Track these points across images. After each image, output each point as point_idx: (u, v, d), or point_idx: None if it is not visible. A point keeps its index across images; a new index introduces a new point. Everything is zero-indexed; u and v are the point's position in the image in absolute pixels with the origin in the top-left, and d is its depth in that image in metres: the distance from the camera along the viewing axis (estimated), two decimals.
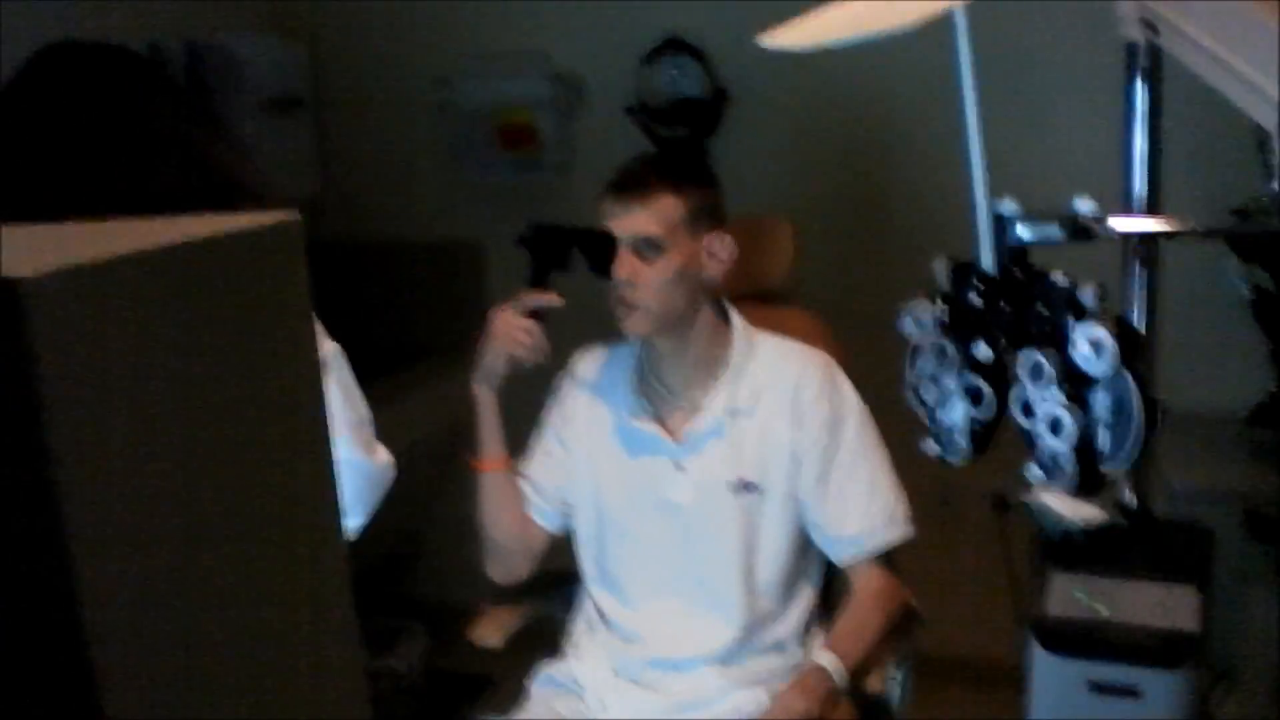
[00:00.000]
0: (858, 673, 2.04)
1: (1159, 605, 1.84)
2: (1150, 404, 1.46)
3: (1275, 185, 1.43)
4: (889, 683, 2.14)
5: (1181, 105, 1.75)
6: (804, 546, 2.16)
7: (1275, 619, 2.81)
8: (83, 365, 0.63)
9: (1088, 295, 1.46)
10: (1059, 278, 1.48)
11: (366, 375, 3.43)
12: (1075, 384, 1.47)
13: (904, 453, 2.15)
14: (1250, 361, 2.81)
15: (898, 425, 1.70)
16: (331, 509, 0.88)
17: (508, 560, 2.25)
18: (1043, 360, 1.46)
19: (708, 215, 2.10)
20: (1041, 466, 1.51)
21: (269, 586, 0.81)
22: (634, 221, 2.03)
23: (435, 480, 3.70)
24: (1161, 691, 1.80)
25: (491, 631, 2.25)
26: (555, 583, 2.40)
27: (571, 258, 2.09)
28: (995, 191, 1.55)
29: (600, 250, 2.04)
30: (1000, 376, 1.55)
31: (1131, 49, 1.82)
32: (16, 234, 0.72)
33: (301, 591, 0.85)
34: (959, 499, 3.25)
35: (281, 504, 0.83)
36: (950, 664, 3.24)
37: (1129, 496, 2.02)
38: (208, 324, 0.74)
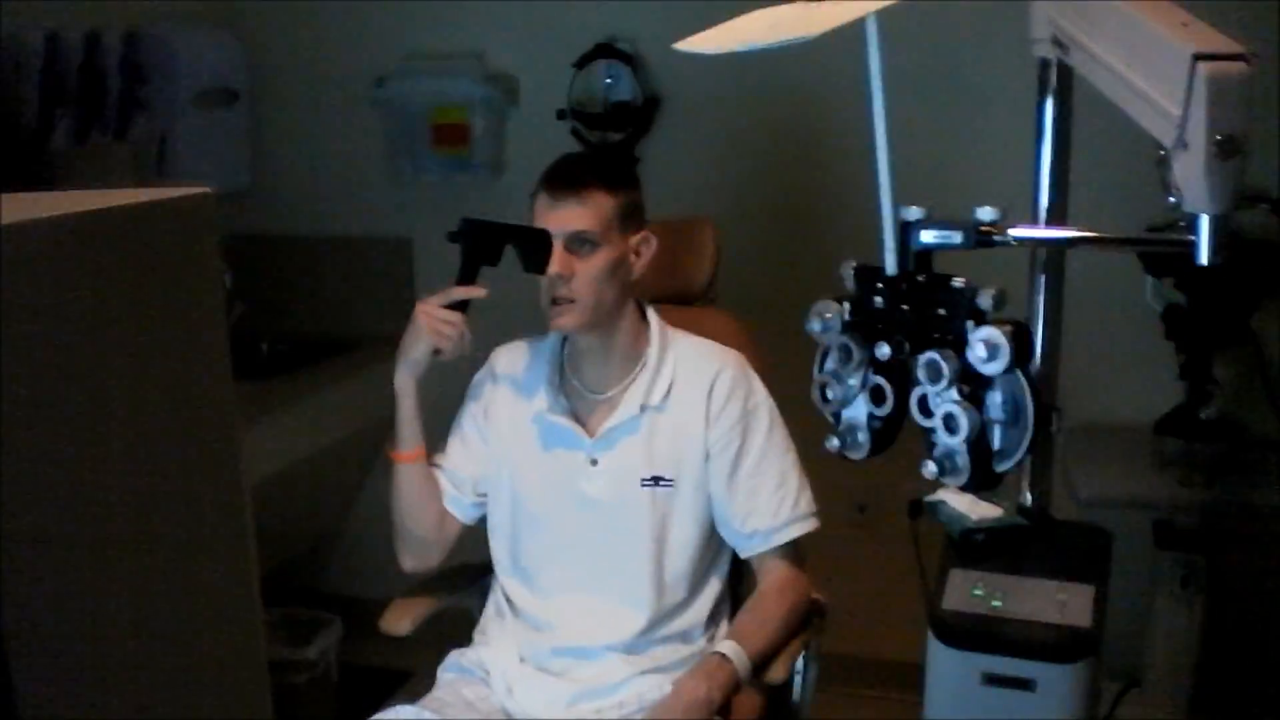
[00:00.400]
0: (761, 662, 2.08)
1: (1055, 602, 1.90)
2: (1042, 405, 1.52)
3: (1171, 199, 1.48)
4: (793, 672, 2.19)
5: (1102, 124, 1.80)
6: (713, 540, 2.21)
7: (1181, 626, 2.88)
8: (32, 306, 0.68)
9: (985, 299, 1.52)
10: (959, 282, 1.54)
11: (292, 368, 3.47)
12: (971, 384, 1.53)
13: (821, 459, 2.21)
14: (1160, 374, 2.87)
15: (814, 429, 1.75)
16: (235, 479, 0.90)
17: (421, 549, 2.28)
18: (940, 360, 1.51)
19: (635, 214, 2.15)
20: (938, 464, 1.57)
21: (171, 553, 0.84)
22: (569, 217, 2.08)
23: (356, 475, 3.73)
24: (1055, 685, 1.86)
25: (401, 620, 2.28)
26: (465, 575, 2.44)
27: (502, 254, 2.12)
28: (913, 199, 1.60)
29: (536, 247, 2.08)
30: (902, 376, 1.61)
31: (1044, 65, 1.89)
32: None
33: (205, 556, 0.88)
34: (876, 505, 3.32)
35: (188, 471, 0.86)
36: (863, 665, 3.31)
37: (1029, 498, 2.08)
38: (131, 285, 0.78)
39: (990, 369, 1.49)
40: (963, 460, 1.54)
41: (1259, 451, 2.83)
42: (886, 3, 1.38)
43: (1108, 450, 2.94)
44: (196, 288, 0.87)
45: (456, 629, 2.35)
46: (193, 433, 0.86)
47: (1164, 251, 1.70)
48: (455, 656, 2.25)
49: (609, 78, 3.35)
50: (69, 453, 0.74)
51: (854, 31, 1.45)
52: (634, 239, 2.14)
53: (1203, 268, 1.49)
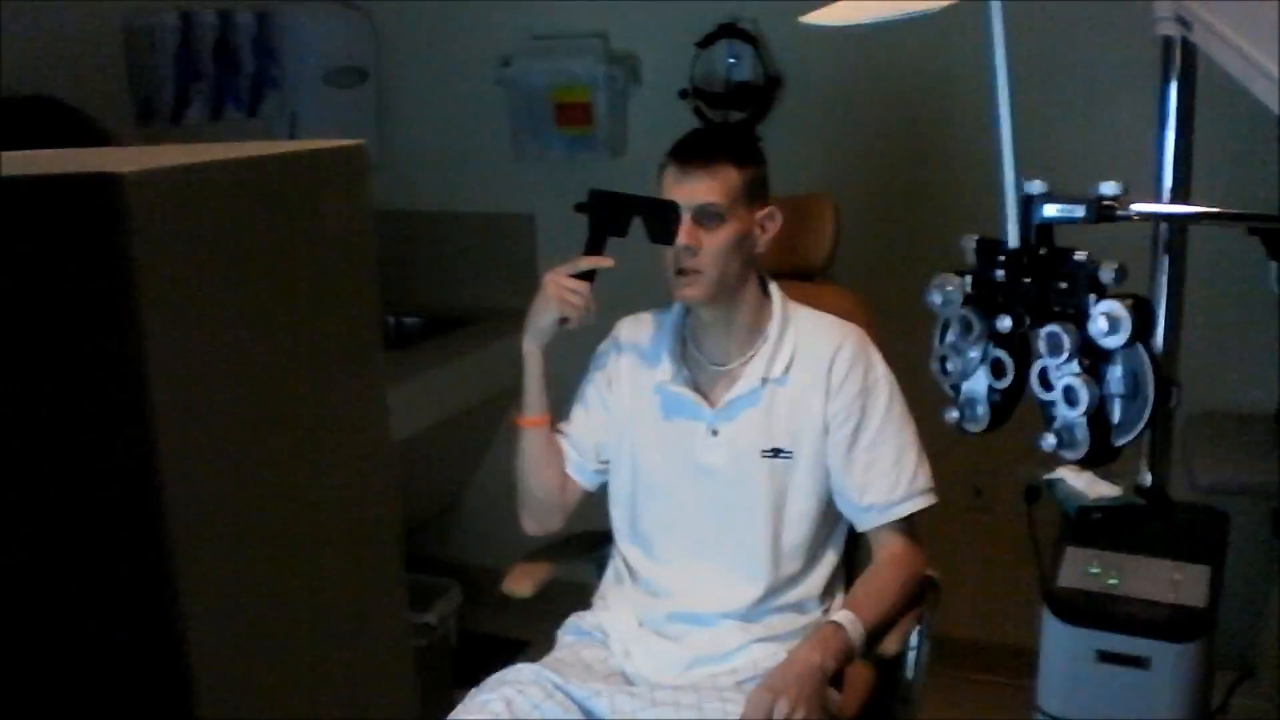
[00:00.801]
0: (874, 634, 2.10)
1: (1170, 581, 1.90)
2: (1162, 380, 1.53)
3: None
4: (906, 647, 2.21)
5: (1226, 104, 1.80)
6: (830, 512, 2.23)
7: None
8: (173, 262, 0.69)
9: (1107, 273, 1.52)
10: (1080, 255, 1.55)
11: (417, 341, 3.55)
12: (1091, 357, 1.54)
13: (938, 442, 2.22)
14: None
15: (932, 407, 1.76)
16: (384, 443, 0.92)
17: (543, 513, 2.34)
18: (1061, 333, 1.52)
19: (761, 189, 2.19)
20: (1057, 436, 1.58)
21: (327, 519, 0.86)
22: (698, 190, 2.12)
23: (478, 447, 3.80)
24: (1169, 663, 1.86)
25: (522, 583, 2.34)
26: (585, 542, 2.50)
27: (629, 225, 2.16)
28: (1034, 175, 1.61)
29: (664, 218, 2.12)
30: (1022, 350, 1.62)
31: (1167, 44, 1.89)
32: (114, 151, 0.80)
33: (356, 522, 0.90)
34: (991, 490, 3.32)
35: (340, 434, 0.87)
36: (976, 648, 3.30)
37: (1147, 478, 2.08)
38: (282, 235, 0.80)
39: (1111, 342, 1.50)
40: (1082, 433, 1.55)
41: None
42: None
43: (1228, 437, 2.91)
44: (351, 242, 0.87)
45: (573, 601, 2.40)
46: (346, 393, 0.87)
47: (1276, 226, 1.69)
48: (575, 619, 2.31)
49: (731, 57, 3.37)
50: (225, 418, 0.74)
51: (974, 8, 1.47)
52: (759, 214, 2.18)
53: None
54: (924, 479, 2.21)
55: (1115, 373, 1.53)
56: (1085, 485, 2.05)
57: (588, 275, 2.17)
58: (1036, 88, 2.97)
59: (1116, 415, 1.55)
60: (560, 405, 2.36)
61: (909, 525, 2.22)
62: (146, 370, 0.67)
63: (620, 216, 2.15)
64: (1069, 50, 3.05)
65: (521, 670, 2.10)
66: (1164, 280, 1.97)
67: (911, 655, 2.27)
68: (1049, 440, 1.57)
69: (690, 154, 2.15)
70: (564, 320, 2.18)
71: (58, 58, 2.89)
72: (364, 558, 0.92)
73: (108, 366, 0.68)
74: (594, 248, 2.18)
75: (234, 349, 0.75)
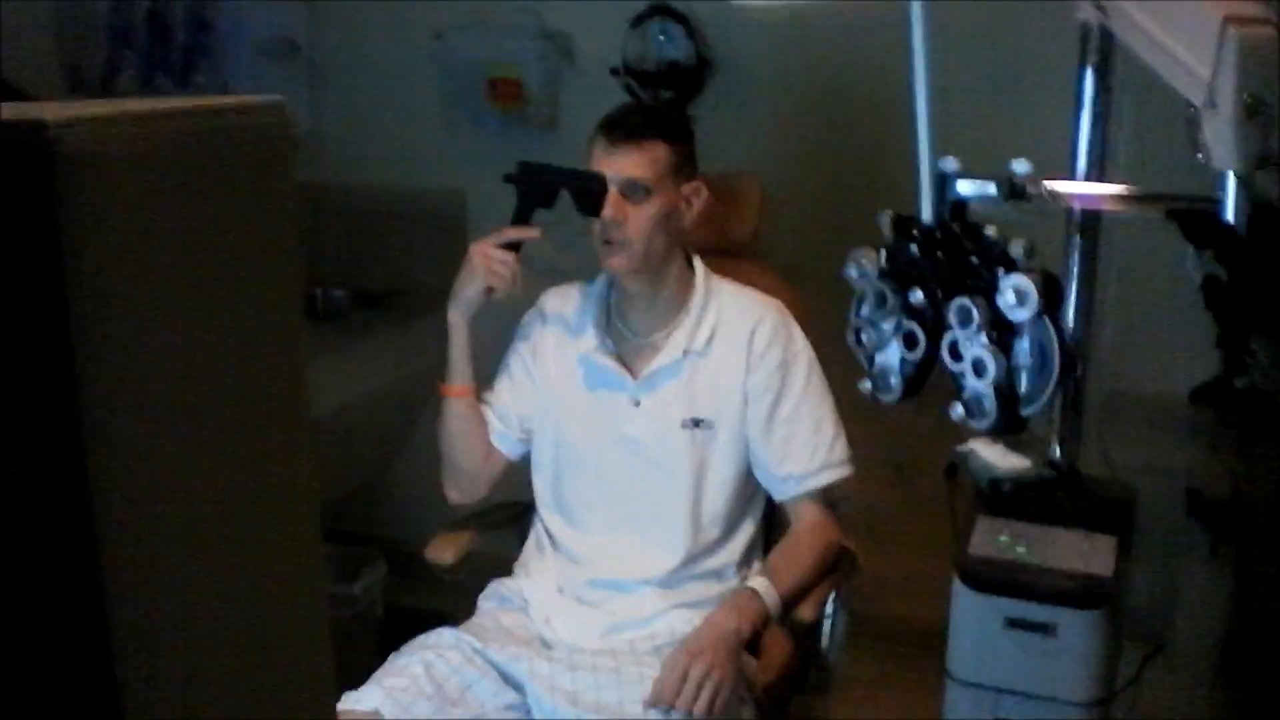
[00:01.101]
0: (790, 602, 2.14)
1: (1078, 551, 1.96)
2: (1067, 353, 1.58)
3: (1200, 157, 1.53)
4: (823, 617, 2.25)
5: (1141, 91, 1.84)
6: (749, 483, 2.28)
7: (1209, 594, 2.92)
8: (101, 209, 0.69)
9: (1017, 249, 1.57)
10: (991, 231, 1.59)
11: (344, 314, 3.54)
12: (1000, 330, 1.58)
13: (861, 418, 2.27)
14: (1197, 345, 2.90)
15: (852, 385, 1.80)
16: (304, 414, 0.90)
17: (467, 483, 2.37)
18: (971, 306, 1.57)
19: (688, 165, 2.23)
20: (966, 407, 1.63)
21: (246, 478, 0.84)
22: (626, 164, 2.15)
23: (403, 422, 3.80)
24: (1075, 630, 1.93)
25: (445, 551, 2.36)
26: (507, 512, 2.53)
27: (557, 197, 2.19)
28: (951, 154, 1.65)
29: (590, 190, 2.15)
30: (934, 322, 1.66)
31: (1085, 29, 1.94)
32: (46, 104, 0.81)
33: (276, 493, 0.88)
34: (913, 466, 3.37)
35: (260, 390, 0.85)
36: (894, 623, 3.36)
37: (1058, 452, 2.14)
38: (204, 190, 0.80)
39: (1019, 315, 1.54)
40: (990, 403, 1.60)
41: None
42: None
43: (1143, 418, 2.97)
44: (273, 202, 0.86)
45: (497, 574, 2.41)
46: (265, 359, 0.85)
47: (1193, 209, 1.74)
48: (495, 585, 2.34)
49: (663, 36, 3.40)
50: (147, 373, 0.73)
51: None
52: (686, 189, 2.21)
53: (1241, 240, 1.54)
54: (841, 451, 2.25)
55: (1023, 345, 1.58)
56: (998, 458, 2.10)
57: (514, 246, 2.19)
58: (960, 71, 3.02)
59: (1024, 386, 1.60)
60: (486, 375, 2.38)
61: (825, 496, 2.26)
62: (71, 322, 0.68)
63: (548, 189, 2.18)
64: (992, 35, 3.09)
65: (442, 634, 2.13)
66: (1077, 260, 2.03)
67: (828, 625, 2.32)
68: (958, 410, 1.62)
69: (619, 128, 2.18)
70: (490, 291, 2.20)
71: None
72: (282, 528, 0.91)
73: (32, 319, 0.68)
74: (521, 219, 2.20)
75: (156, 305, 0.75)
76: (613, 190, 2.14)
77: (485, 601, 2.32)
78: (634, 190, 2.15)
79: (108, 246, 0.70)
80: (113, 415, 0.70)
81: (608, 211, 2.14)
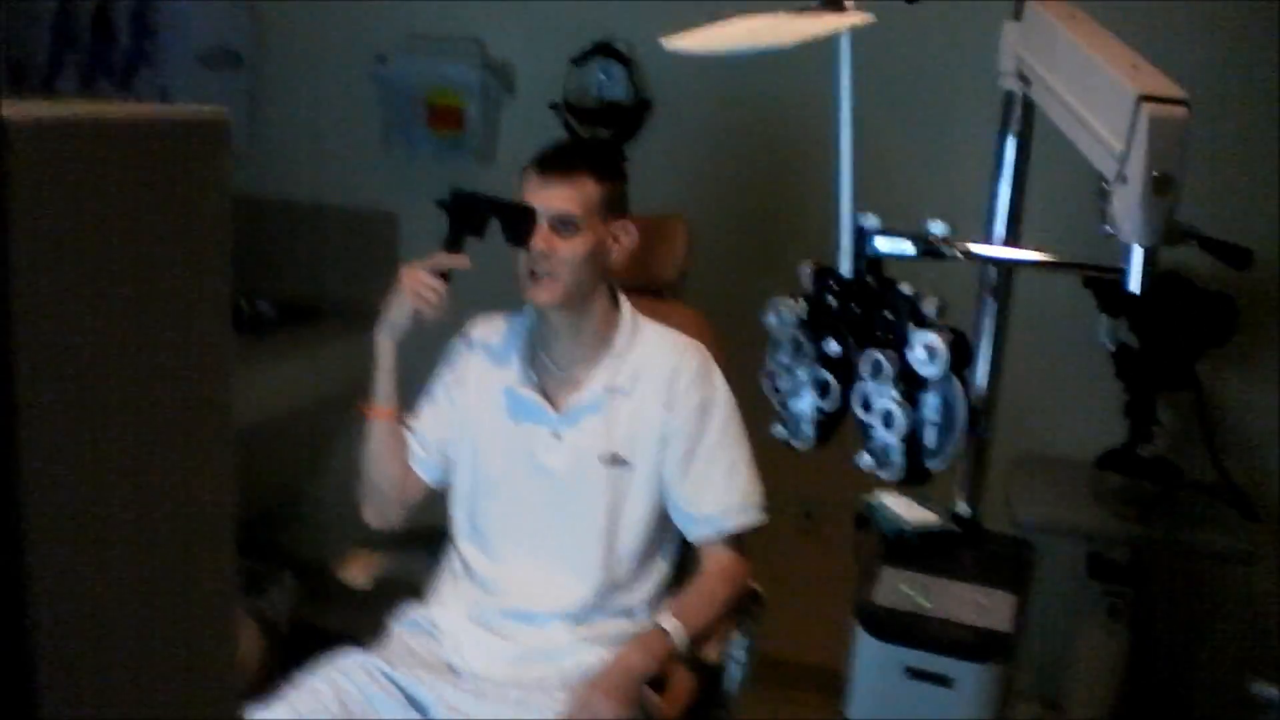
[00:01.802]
0: (697, 641, 2.17)
1: (977, 605, 1.99)
2: (973, 411, 1.63)
3: (1105, 229, 1.59)
4: (727, 657, 2.28)
5: (1058, 158, 1.90)
6: (664, 523, 2.30)
7: (1106, 655, 2.98)
8: (47, 207, 0.71)
9: (929, 307, 1.62)
10: (906, 288, 1.64)
11: (270, 329, 3.54)
12: (910, 384, 1.63)
13: (773, 462, 2.31)
14: (1106, 411, 2.97)
15: (768, 430, 1.84)
16: (224, 422, 0.91)
17: (384, 505, 2.38)
18: (883, 359, 1.62)
19: (618, 204, 2.26)
20: (873, 455, 1.67)
21: (165, 480, 0.86)
22: (556, 198, 2.18)
23: (323, 440, 3.80)
24: (972, 682, 1.95)
25: (359, 572, 2.37)
26: (422, 538, 2.53)
27: (488, 226, 2.21)
28: (872, 209, 1.70)
29: (520, 222, 2.18)
30: (847, 373, 1.71)
31: (1008, 97, 2.00)
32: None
33: (194, 499, 0.90)
34: (821, 513, 3.42)
35: (183, 409, 0.87)
36: (797, 668, 3.39)
37: (963, 507, 2.18)
38: (142, 197, 0.81)
39: (928, 371, 1.59)
40: (897, 455, 1.64)
41: (1192, 493, 2.92)
42: (859, 20, 1.48)
43: (1049, 479, 3.04)
44: (207, 213, 0.86)
45: (408, 599, 2.41)
46: (191, 369, 0.86)
47: (1100, 277, 1.80)
48: (408, 611, 2.34)
49: (604, 75, 3.45)
50: (79, 378, 0.74)
51: (830, 46, 1.56)
52: (614, 226, 2.24)
53: (1155, 311, 1.59)
54: (755, 495, 2.29)
55: (931, 401, 1.63)
56: (904, 510, 2.14)
57: (445, 273, 2.21)
58: (886, 129, 3.09)
59: (930, 440, 1.65)
60: (409, 400, 2.39)
61: (737, 539, 2.29)
62: (12, 324, 0.69)
63: (479, 217, 2.20)
64: (917, 97, 3.18)
65: (351, 655, 2.14)
66: (988, 321, 2.07)
67: (734, 666, 2.35)
68: (866, 459, 1.66)
69: (552, 163, 2.21)
70: (418, 314, 2.22)
71: None
72: (195, 538, 0.91)
73: None
74: (453, 246, 2.22)
75: (90, 311, 0.76)
76: (542, 223, 2.17)
77: (396, 625, 2.32)
78: (563, 225, 2.18)
79: (45, 245, 0.71)
80: (43, 412, 0.72)
81: (536, 243, 2.17)
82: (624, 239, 2.26)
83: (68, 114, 0.76)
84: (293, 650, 3.41)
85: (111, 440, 0.80)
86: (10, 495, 0.71)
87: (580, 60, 3.46)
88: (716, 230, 3.15)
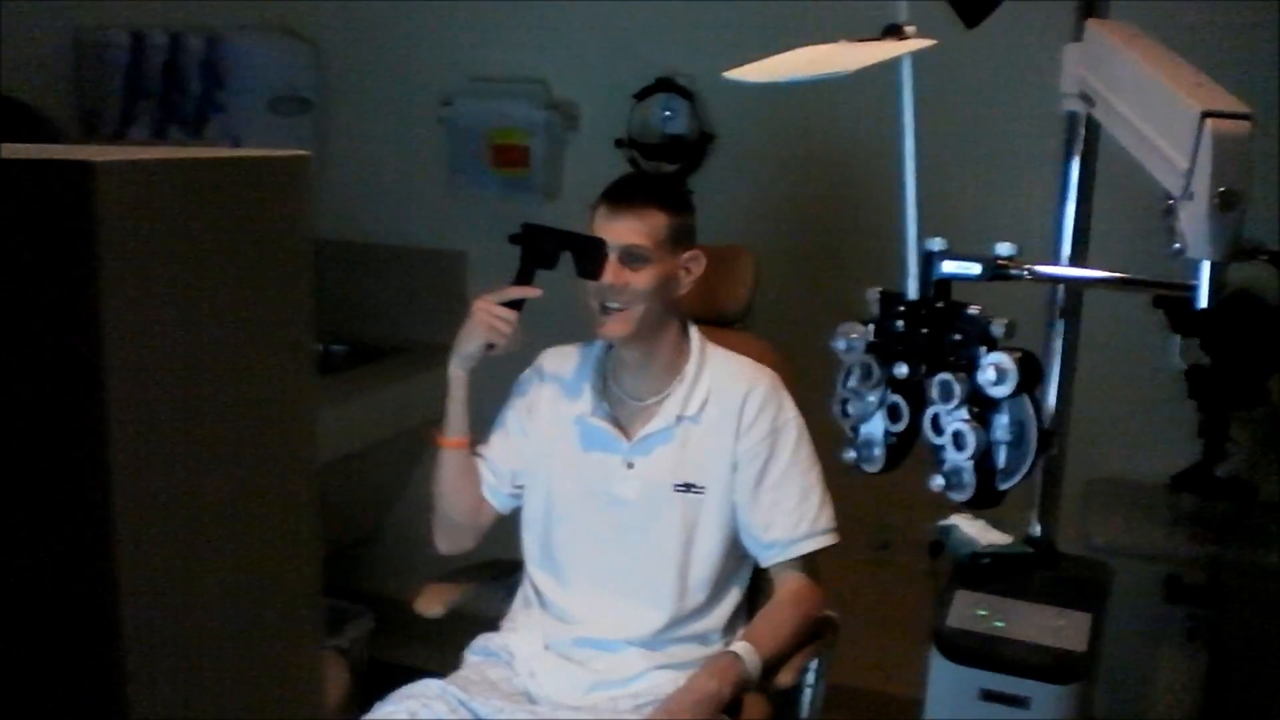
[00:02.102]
0: (770, 667, 2.18)
1: (1052, 627, 1.99)
2: (1044, 430, 1.63)
3: (1176, 246, 1.59)
4: (801, 683, 2.29)
5: (1124, 180, 1.90)
6: (736, 549, 2.32)
7: (1185, 679, 2.95)
8: (135, 249, 0.74)
9: (998, 328, 1.62)
10: (974, 310, 1.65)
11: (343, 368, 3.58)
12: (980, 406, 1.63)
13: (849, 498, 2.32)
14: (1180, 432, 2.95)
15: (839, 458, 1.85)
16: (310, 461, 0.95)
17: (457, 534, 2.41)
18: (953, 381, 1.62)
19: (687, 235, 2.29)
20: (945, 478, 1.67)
21: (253, 528, 0.88)
22: (625, 231, 2.21)
23: (398, 478, 3.83)
24: (1047, 704, 1.95)
25: (433, 603, 2.40)
26: (496, 569, 2.57)
27: (558, 259, 2.25)
28: (937, 233, 1.71)
29: (591, 254, 2.21)
30: (917, 396, 1.71)
31: (1071, 118, 2.01)
32: (77, 148, 0.85)
33: (277, 539, 0.93)
34: (897, 544, 3.41)
35: (271, 447, 0.89)
36: (874, 697, 3.38)
37: (1037, 529, 2.18)
38: (230, 236, 0.84)
39: (998, 392, 1.59)
40: (969, 476, 1.64)
41: (1269, 513, 2.90)
42: (920, 45, 1.50)
43: (1124, 502, 3.01)
44: (290, 251, 0.89)
45: (483, 631, 2.44)
46: (277, 405, 0.88)
47: (1170, 296, 1.80)
48: (482, 640, 2.37)
49: (667, 111, 3.48)
50: (170, 414, 0.76)
51: (890, 73, 1.57)
52: (684, 256, 2.26)
53: (1226, 329, 1.58)
54: (826, 519, 2.29)
55: (1001, 420, 1.63)
56: (978, 533, 2.14)
57: (516, 304, 2.25)
58: (946, 153, 3.09)
59: (1001, 461, 1.65)
60: (482, 430, 2.43)
61: (810, 563, 2.30)
62: (103, 359, 0.71)
63: (550, 250, 2.24)
64: (982, 121, 3.18)
65: (428, 685, 2.16)
66: (1058, 342, 2.08)
67: (808, 693, 2.35)
68: (938, 481, 1.66)
69: (621, 196, 2.24)
70: (490, 347, 2.25)
71: (6, 65, 2.93)
72: (283, 573, 0.93)
73: (67, 358, 0.72)
74: (524, 278, 2.26)
75: (181, 347, 0.78)
76: (612, 257, 2.20)
77: (471, 655, 2.35)
78: (633, 257, 2.20)
79: (133, 280, 0.74)
80: (132, 445, 0.74)
81: (607, 276, 2.19)
82: (694, 268, 2.29)
83: (151, 156, 0.79)
84: (371, 687, 3.46)
85: (200, 471, 0.81)
86: (102, 543, 0.73)
87: (642, 96, 3.49)
88: (783, 260, 3.16)
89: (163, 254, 0.77)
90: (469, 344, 2.27)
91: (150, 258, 0.76)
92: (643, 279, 2.21)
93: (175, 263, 0.79)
